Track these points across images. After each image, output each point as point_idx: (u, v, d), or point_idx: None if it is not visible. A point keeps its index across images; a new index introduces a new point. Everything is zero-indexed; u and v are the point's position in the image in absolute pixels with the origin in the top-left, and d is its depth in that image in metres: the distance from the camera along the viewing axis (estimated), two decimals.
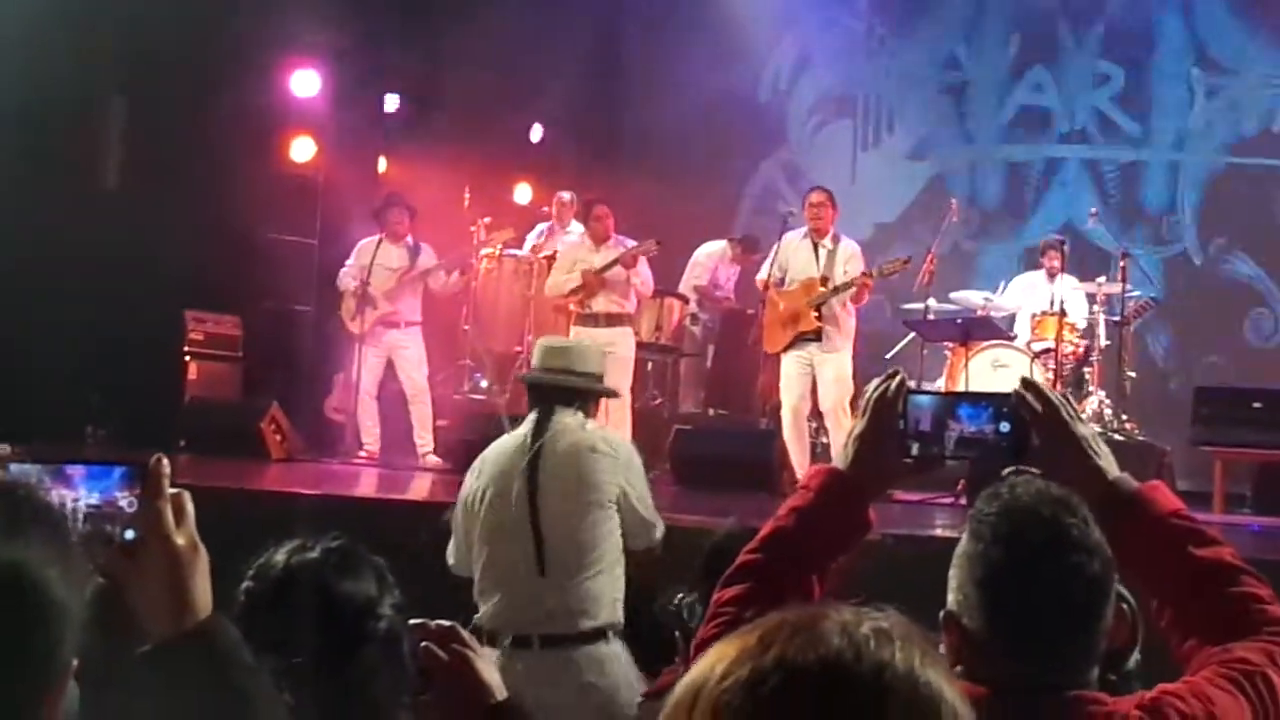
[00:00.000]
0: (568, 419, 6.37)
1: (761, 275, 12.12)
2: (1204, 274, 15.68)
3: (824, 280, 11.71)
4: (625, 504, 6.30)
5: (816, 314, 11.65)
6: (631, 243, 12.42)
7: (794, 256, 11.95)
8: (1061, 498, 2.74)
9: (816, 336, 11.67)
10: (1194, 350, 15.44)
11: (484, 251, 14.44)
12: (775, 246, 12.10)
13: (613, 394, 7.11)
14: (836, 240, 11.91)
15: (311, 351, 14.69)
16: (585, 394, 6.55)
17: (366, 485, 11.82)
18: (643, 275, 12.45)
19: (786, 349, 11.78)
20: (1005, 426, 2.90)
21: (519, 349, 14.39)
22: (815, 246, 11.89)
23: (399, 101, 15.34)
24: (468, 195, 14.92)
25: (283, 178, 14.48)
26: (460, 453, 11.93)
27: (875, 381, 3.01)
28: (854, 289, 11.60)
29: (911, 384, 3.00)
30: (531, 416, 6.43)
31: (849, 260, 11.80)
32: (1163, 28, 15.91)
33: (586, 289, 12.30)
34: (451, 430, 12.75)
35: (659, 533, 6.41)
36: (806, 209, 12.03)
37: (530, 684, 5.54)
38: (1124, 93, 16.11)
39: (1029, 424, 2.89)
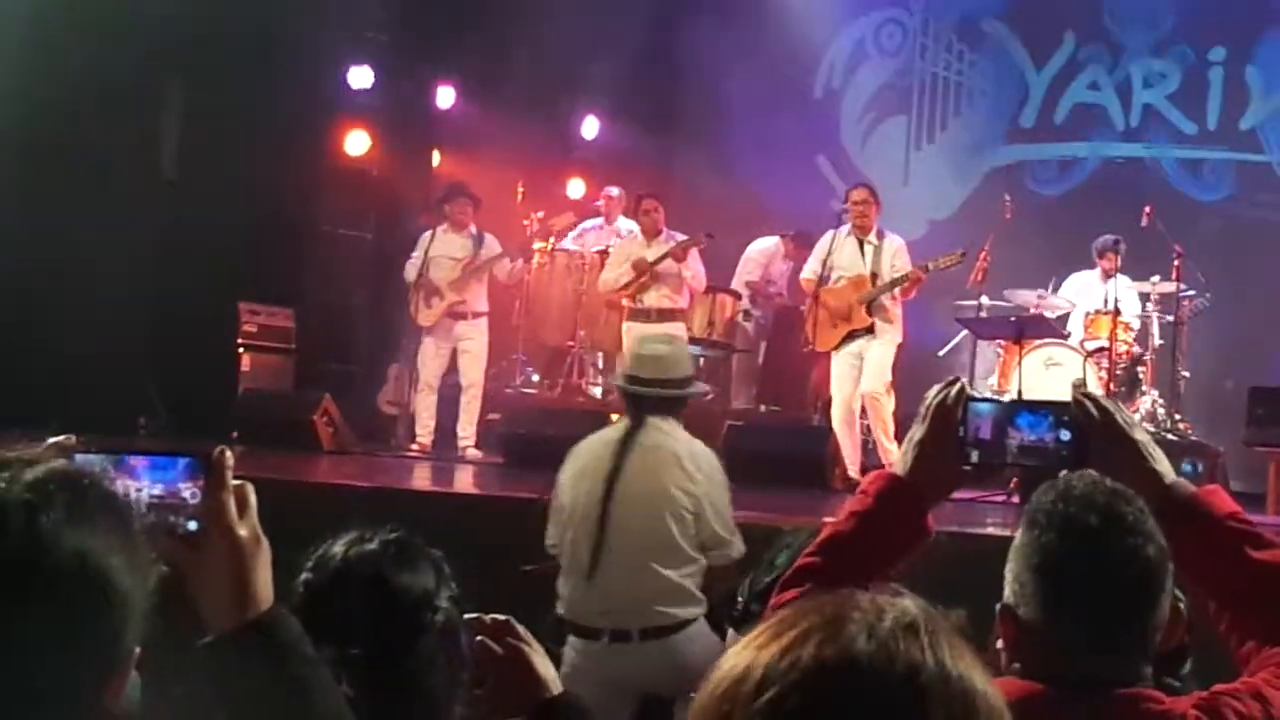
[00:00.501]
0: (659, 427, 6.58)
1: (806, 274, 12.11)
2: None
3: (873, 277, 11.70)
4: (703, 518, 6.44)
5: (867, 310, 11.64)
6: (683, 237, 12.44)
7: (839, 254, 11.93)
8: (1117, 488, 2.75)
9: (869, 331, 11.67)
10: (1252, 349, 15.35)
11: (536, 245, 14.47)
12: (821, 245, 12.08)
13: (704, 394, 7.12)
14: (881, 236, 11.91)
15: (365, 344, 14.76)
16: (678, 401, 6.75)
17: (420, 478, 11.85)
18: (694, 269, 12.45)
19: (838, 347, 11.78)
20: (1065, 435, 2.91)
21: (571, 343, 14.44)
22: (861, 243, 11.88)
23: (453, 95, 15.38)
24: (521, 189, 14.95)
25: (337, 170, 14.55)
26: (509, 447, 12.04)
27: (936, 388, 3.01)
28: (905, 283, 11.60)
29: (973, 390, 3.00)
30: (624, 422, 6.70)
31: (895, 255, 11.79)
32: (1223, 33, 15.86)
33: (638, 283, 12.31)
34: (501, 424, 12.77)
35: (737, 551, 6.48)
36: (850, 206, 12.01)
37: (626, 675, 6.24)
38: (1181, 90, 16.04)
39: (1088, 431, 2.89)
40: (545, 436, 11.87)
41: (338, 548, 3.00)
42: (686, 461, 6.48)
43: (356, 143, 14.62)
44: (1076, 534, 2.68)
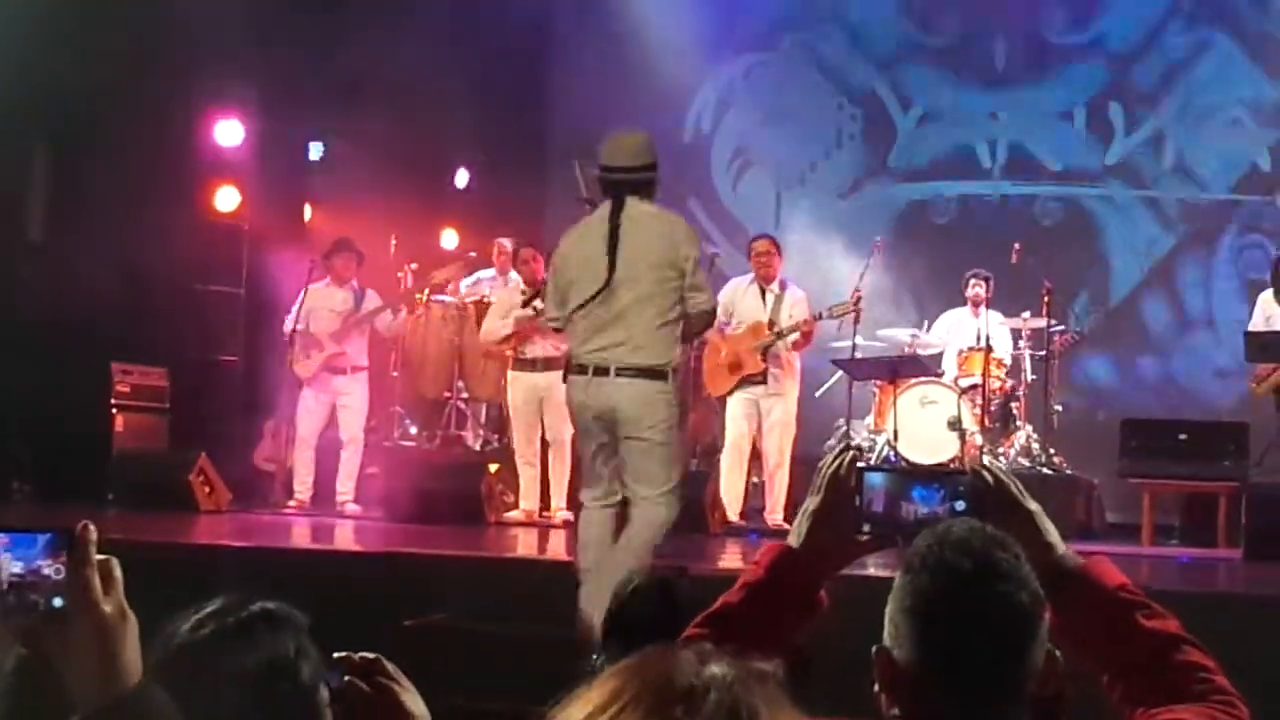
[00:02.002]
0: (637, 205, 7.73)
1: None
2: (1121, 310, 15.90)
3: (771, 325, 11.85)
4: (685, 271, 7.59)
5: (762, 357, 11.76)
6: None
7: (740, 301, 12.14)
8: (994, 535, 2.72)
9: (762, 379, 11.80)
10: (1123, 382, 15.59)
11: (415, 297, 14.42)
12: (724, 292, 12.15)
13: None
14: (784, 286, 12.13)
15: (240, 401, 14.62)
16: (649, 183, 7.90)
17: (299, 536, 11.74)
18: None
19: (731, 391, 11.90)
20: (959, 505, 2.91)
21: (449, 395, 14.39)
22: (763, 292, 12.05)
23: (323, 149, 15.32)
24: (394, 241, 14.90)
25: (208, 227, 14.42)
26: (388, 501, 11.98)
27: (829, 457, 3.02)
28: (799, 329, 11.78)
29: (855, 437, 3.02)
30: (607, 204, 7.81)
31: (794, 305, 12.03)
32: (1074, 72, 16.18)
33: (519, 335, 12.32)
34: (380, 478, 12.70)
35: (709, 303, 7.86)
36: (753, 257, 12.28)
37: (599, 402, 7.52)
38: (1047, 128, 16.30)
39: (982, 502, 2.90)
40: (424, 490, 11.86)
41: (185, 625, 2.92)
42: (667, 226, 7.75)
43: (226, 199, 14.49)
44: (949, 578, 2.66)
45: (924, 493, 2.93)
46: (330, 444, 12.87)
